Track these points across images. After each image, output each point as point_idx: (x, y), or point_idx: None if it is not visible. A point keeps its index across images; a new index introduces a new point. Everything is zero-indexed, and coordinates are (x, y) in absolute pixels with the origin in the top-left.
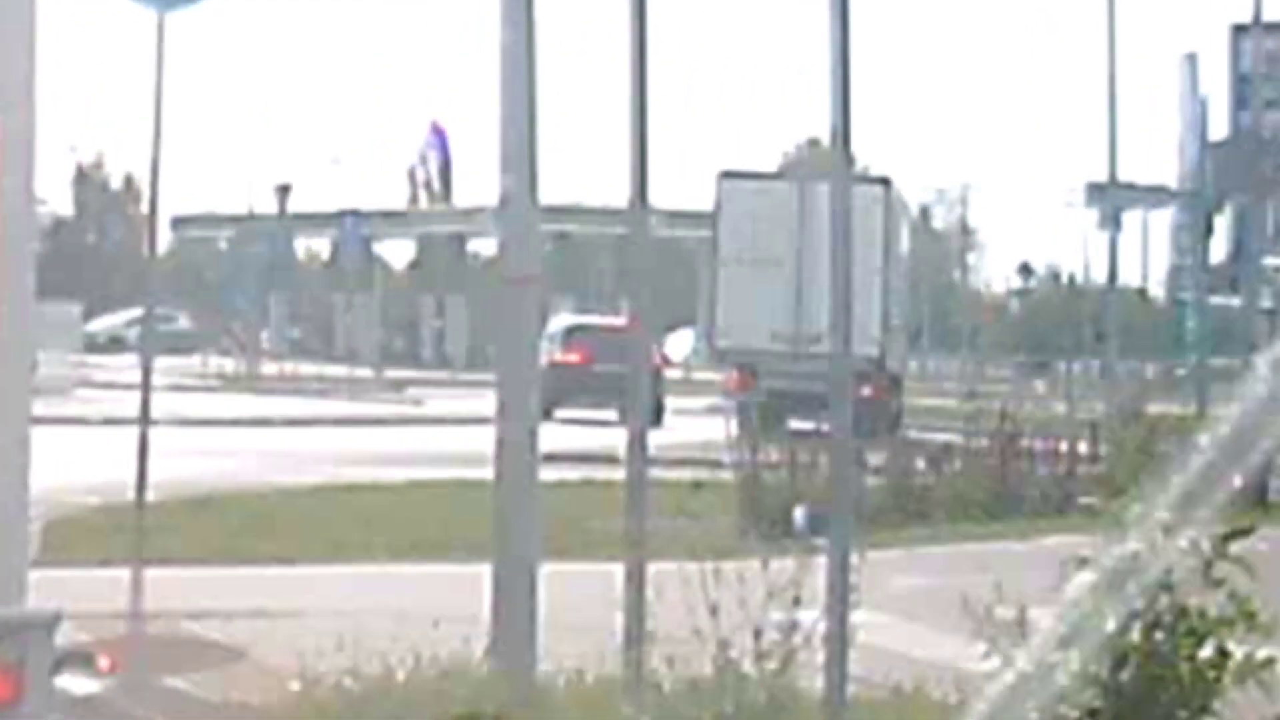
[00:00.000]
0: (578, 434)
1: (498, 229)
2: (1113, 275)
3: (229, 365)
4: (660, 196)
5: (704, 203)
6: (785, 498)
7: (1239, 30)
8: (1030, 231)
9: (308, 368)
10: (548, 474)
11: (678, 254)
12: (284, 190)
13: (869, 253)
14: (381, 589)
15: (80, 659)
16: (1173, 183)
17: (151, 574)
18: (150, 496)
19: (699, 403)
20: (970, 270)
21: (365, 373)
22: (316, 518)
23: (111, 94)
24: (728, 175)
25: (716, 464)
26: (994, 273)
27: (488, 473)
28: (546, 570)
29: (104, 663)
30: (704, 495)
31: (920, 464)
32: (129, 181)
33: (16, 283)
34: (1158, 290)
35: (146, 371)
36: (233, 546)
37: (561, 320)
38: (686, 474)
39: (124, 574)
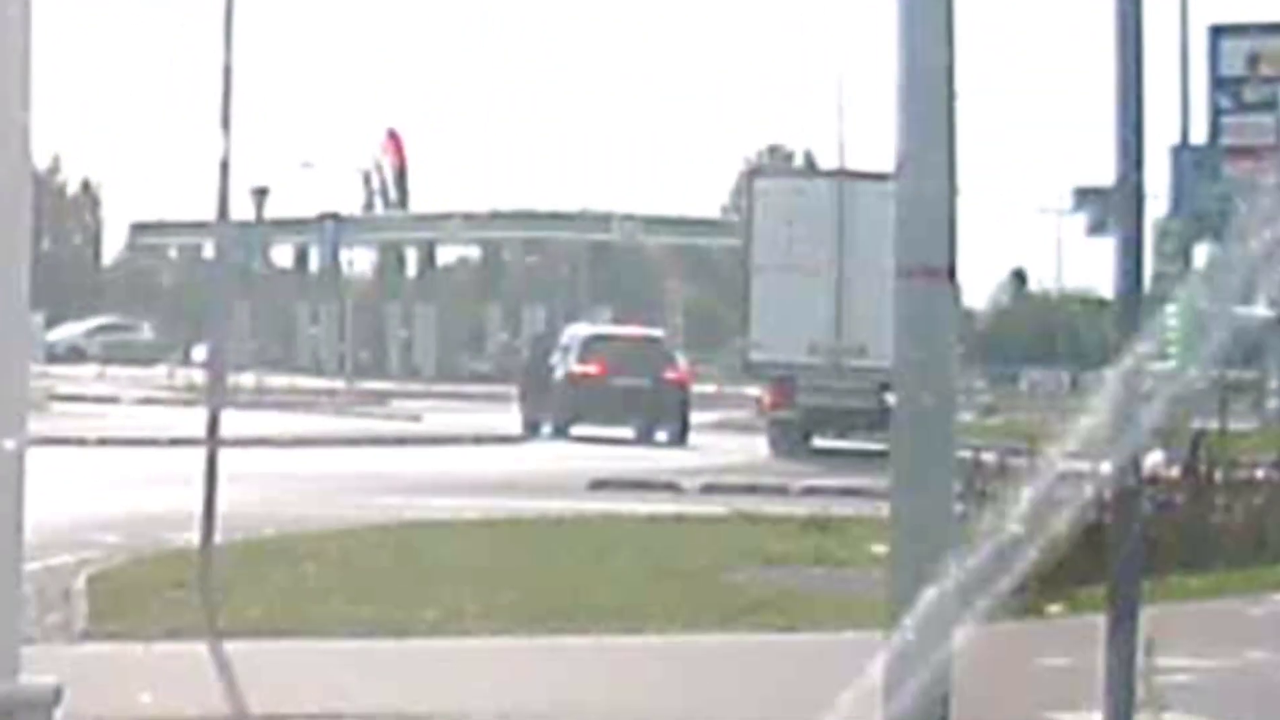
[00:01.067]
0: (605, 455)
1: (897, 210)
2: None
3: (197, 377)
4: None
5: (667, 208)
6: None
7: (1217, 32)
8: (1000, 238)
9: (276, 379)
10: (612, 506)
11: (644, 261)
12: (261, 194)
13: None
14: (536, 673)
15: None
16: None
17: (233, 649)
18: (191, 538)
19: (706, 418)
20: None
21: (337, 384)
22: (407, 569)
23: (68, 96)
24: (760, 174)
25: (781, 490)
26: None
27: (559, 505)
28: (727, 644)
29: None
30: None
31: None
32: (86, 186)
33: (10, 289)
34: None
35: (215, 387)
36: (324, 611)
37: (579, 329)
38: (753, 503)
39: (201, 649)
